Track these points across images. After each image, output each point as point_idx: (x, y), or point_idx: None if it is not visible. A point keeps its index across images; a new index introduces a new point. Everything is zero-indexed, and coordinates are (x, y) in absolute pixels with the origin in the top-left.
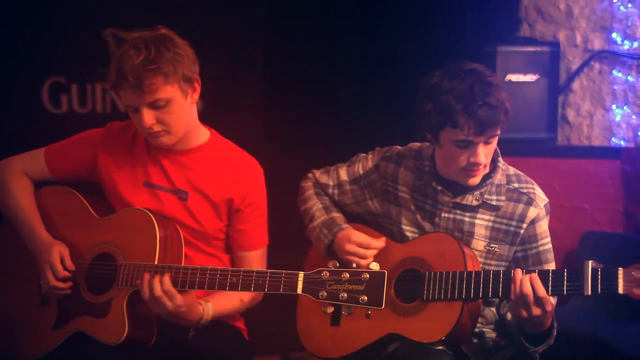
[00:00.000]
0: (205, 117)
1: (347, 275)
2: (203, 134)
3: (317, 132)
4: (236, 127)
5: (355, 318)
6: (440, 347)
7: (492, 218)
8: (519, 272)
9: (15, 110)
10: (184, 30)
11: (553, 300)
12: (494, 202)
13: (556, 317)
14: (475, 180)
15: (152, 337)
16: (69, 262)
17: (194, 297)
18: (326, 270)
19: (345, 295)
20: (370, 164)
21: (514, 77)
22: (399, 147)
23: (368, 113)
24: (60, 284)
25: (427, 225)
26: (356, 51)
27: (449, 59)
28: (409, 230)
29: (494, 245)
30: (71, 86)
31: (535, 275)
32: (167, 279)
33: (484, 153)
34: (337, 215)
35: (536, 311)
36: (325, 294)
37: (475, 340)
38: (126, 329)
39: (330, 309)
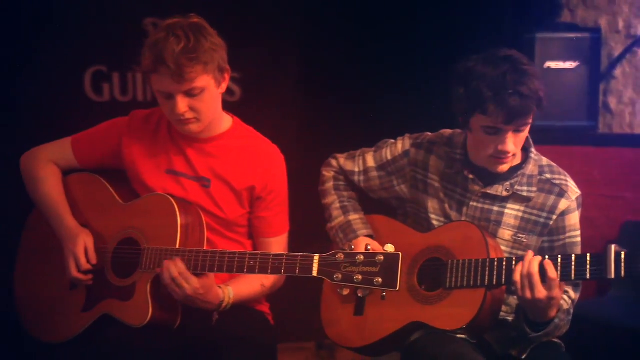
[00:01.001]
0: (242, 108)
1: (362, 257)
2: (226, 122)
3: (347, 122)
4: (273, 119)
5: (377, 307)
6: (463, 336)
7: (522, 209)
8: (530, 253)
9: (58, 99)
10: (220, 21)
11: (568, 292)
12: (524, 193)
13: (595, 308)
14: (503, 168)
15: (177, 319)
16: (92, 255)
17: (212, 280)
18: (341, 252)
19: (360, 277)
20: (399, 149)
21: (553, 65)
22: (429, 133)
23: (400, 99)
24: (82, 276)
25: (454, 215)
26: (392, 36)
27: (487, 45)
28: (435, 219)
29: (521, 236)
30: (113, 75)
31: (548, 260)
32: (179, 261)
33: (513, 141)
34: (354, 217)
35: (540, 293)
36: (340, 276)
37: (498, 329)
38: (150, 311)
39: (346, 291)
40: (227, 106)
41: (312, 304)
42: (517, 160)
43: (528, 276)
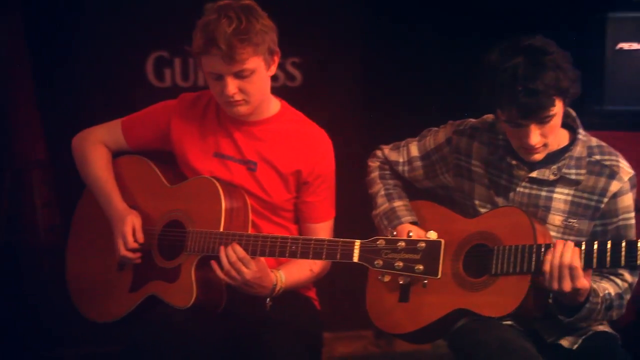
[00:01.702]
0: (302, 93)
1: (403, 244)
2: (274, 105)
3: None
4: (331, 106)
5: (422, 294)
6: (510, 322)
7: (571, 192)
8: (560, 243)
9: (121, 85)
10: (282, 5)
11: (622, 275)
12: (573, 177)
13: None
14: (536, 158)
15: (221, 302)
16: (139, 234)
17: (265, 264)
18: (382, 238)
19: (401, 264)
20: (441, 137)
21: (625, 46)
22: (472, 119)
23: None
24: (130, 254)
25: (500, 201)
26: (454, 22)
27: (554, 27)
28: (481, 206)
29: (572, 221)
30: (174, 60)
31: (575, 248)
32: (237, 246)
33: (539, 133)
34: (398, 204)
35: (567, 286)
36: (381, 262)
37: (548, 318)
38: (194, 293)
39: (387, 278)
40: (288, 91)
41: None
42: (564, 142)
43: (558, 267)
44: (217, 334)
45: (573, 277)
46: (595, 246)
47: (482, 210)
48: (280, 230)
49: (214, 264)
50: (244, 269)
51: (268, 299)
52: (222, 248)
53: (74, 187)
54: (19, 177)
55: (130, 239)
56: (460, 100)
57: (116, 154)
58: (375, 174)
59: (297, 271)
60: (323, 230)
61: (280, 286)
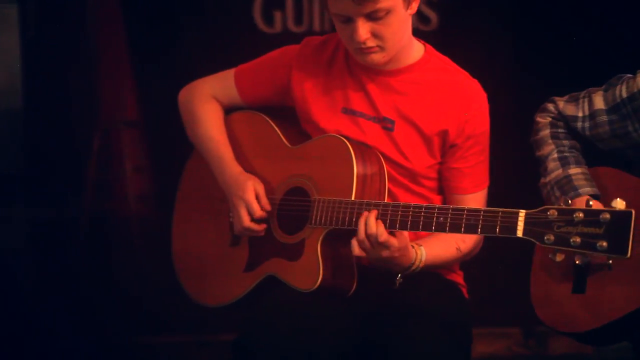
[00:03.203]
0: (437, 39)
1: (582, 214)
2: (416, 50)
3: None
4: (474, 55)
5: (603, 281)
6: None
7: None
8: None
9: (224, 29)
10: None
11: None
12: None
13: None
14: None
15: (352, 285)
16: (264, 201)
17: (407, 239)
18: (554, 208)
19: (579, 239)
20: (639, 84)
21: None
22: None
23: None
24: (255, 226)
25: None
26: None
27: None
28: None
29: None
30: (286, 1)
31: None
32: (382, 228)
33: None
34: (575, 171)
35: None
36: (552, 237)
37: None
38: (320, 273)
39: (561, 257)
40: (420, 36)
41: (518, 279)
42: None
43: None
44: (347, 322)
45: None
46: None
47: None
48: (421, 202)
49: (353, 243)
50: (383, 250)
51: (399, 276)
52: (362, 217)
53: (169, 150)
54: (107, 138)
55: (256, 207)
56: None
57: (229, 110)
58: (545, 132)
59: (441, 247)
60: (474, 202)
61: (417, 265)
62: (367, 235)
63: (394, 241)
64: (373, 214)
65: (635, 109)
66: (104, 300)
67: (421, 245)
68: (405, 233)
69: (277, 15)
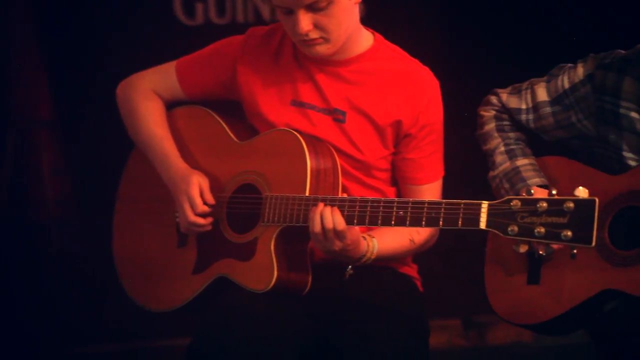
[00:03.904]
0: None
1: (545, 204)
2: (365, 40)
3: (508, 41)
4: (406, 43)
5: (558, 272)
6: None
7: None
8: None
9: (143, 22)
10: None
11: None
12: None
13: None
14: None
15: (307, 283)
16: (208, 195)
17: (358, 233)
18: (517, 198)
19: (543, 230)
20: (580, 74)
21: None
22: (622, 51)
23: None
24: (200, 220)
25: None
26: None
27: None
28: (631, 158)
29: None
30: None
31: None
32: (339, 215)
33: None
34: (523, 162)
35: None
36: (516, 228)
37: None
38: (275, 273)
39: (524, 248)
40: None
41: (459, 270)
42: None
43: None
44: (304, 322)
45: None
46: None
47: (632, 163)
48: (374, 195)
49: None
50: (336, 241)
51: (349, 267)
52: (316, 209)
53: (88, 151)
54: (22, 139)
55: (198, 200)
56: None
57: (170, 105)
58: (490, 126)
59: (394, 239)
60: (430, 192)
61: (369, 256)
62: (325, 229)
63: (348, 235)
64: (328, 207)
65: (578, 99)
66: (26, 309)
67: (373, 237)
68: (357, 227)
69: (199, 7)
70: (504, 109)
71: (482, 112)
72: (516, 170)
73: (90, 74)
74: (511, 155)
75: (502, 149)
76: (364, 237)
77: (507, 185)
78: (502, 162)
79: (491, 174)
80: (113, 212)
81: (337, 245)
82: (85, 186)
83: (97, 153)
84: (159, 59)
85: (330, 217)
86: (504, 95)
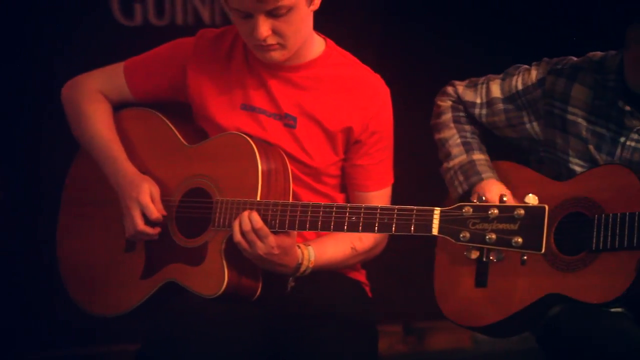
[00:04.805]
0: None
1: (496, 211)
2: (317, 45)
3: (459, 40)
4: (345, 39)
5: (505, 277)
6: (619, 310)
7: None
8: None
9: (80, 23)
10: None
11: None
12: None
13: None
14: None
15: (257, 289)
16: (159, 204)
17: (293, 239)
18: (469, 205)
19: (494, 236)
20: (533, 77)
21: None
22: (574, 57)
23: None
24: (149, 229)
25: (603, 158)
26: None
27: None
28: (577, 164)
29: None
30: None
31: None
32: (256, 215)
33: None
34: (479, 157)
35: None
36: (467, 235)
37: None
38: (225, 278)
39: (475, 254)
40: None
41: (400, 276)
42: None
43: None
44: (254, 329)
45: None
46: None
47: (578, 169)
48: (324, 201)
49: None
50: (258, 242)
51: (290, 279)
52: (236, 220)
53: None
54: None
55: (152, 209)
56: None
57: (118, 107)
58: (447, 116)
59: (334, 247)
60: (379, 199)
61: (306, 265)
62: (243, 232)
63: (271, 237)
64: (246, 212)
65: (530, 101)
66: None
67: (309, 245)
68: (293, 233)
69: (137, 8)
70: (459, 101)
71: (439, 102)
72: (472, 164)
73: (27, 73)
74: (468, 148)
75: (458, 140)
76: (298, 245)
77: (461, 178)
78: (458, 155)
79: (445, 165)
80: (57, 216)
81: (260, 247)
82: (15, 189)
83: (24, 153)
84: (97, 60)
85: (247, 220)
86: (460, 87)
